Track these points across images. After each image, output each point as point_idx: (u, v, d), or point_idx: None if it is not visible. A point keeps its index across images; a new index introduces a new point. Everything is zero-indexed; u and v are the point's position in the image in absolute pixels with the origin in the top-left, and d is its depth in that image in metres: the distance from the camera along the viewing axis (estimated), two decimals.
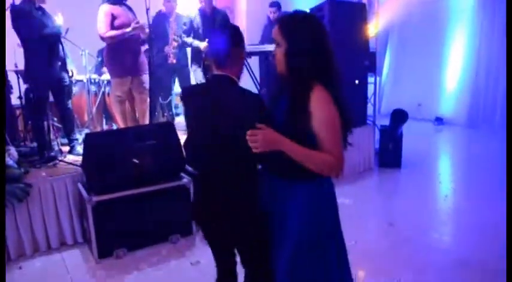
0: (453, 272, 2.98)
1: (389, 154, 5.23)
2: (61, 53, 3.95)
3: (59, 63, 3.93)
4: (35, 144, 4.08)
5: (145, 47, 4.59)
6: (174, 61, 5.05)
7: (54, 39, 3.84)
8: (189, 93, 2.02)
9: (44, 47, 3.76)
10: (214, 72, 1.79)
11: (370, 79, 5.59)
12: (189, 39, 5.00)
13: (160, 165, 3.34)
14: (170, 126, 3.63)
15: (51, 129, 4.16)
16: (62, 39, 4.02)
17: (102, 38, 4.19)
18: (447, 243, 3.41)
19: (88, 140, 3.31)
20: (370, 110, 5.55)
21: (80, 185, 3.40)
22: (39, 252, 3.36)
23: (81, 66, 4.81)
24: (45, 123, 3.99)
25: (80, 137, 4.24)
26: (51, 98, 4.07)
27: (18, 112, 4.57)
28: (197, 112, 1.83)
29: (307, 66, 1.61)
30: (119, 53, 4.22)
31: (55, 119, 4.53)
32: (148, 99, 4.26)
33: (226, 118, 1.72)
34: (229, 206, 1.80)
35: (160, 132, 3.46)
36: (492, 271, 2.88)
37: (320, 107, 1.58)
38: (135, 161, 3.17)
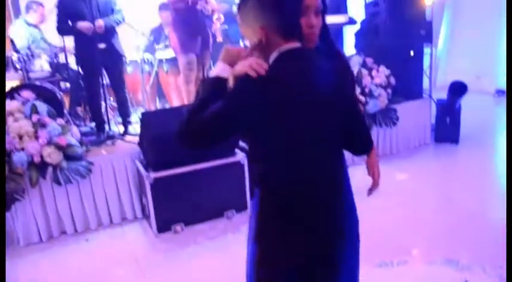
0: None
1: (447, 129, 4.98)
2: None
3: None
4: (93, 124, 4.25)
5: None
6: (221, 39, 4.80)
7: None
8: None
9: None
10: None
11: (426, 50, 5.32)
12: None
13: None
14: None
15: (109, 109, 4.30)
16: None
17: None
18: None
19: (145, 118, 3.40)
20: (425, 83, 5.30)
21: (137, 162, 3.51)
22: (102, 226, 3.54)
23: (134, 46, 4.91)
24: (103, 103, 4.14)
25: (135, 115, 4.34)
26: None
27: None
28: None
29: None
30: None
31: (111, 98, 4.67)
32: None
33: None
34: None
35: None
36: None
37: None
38: None
